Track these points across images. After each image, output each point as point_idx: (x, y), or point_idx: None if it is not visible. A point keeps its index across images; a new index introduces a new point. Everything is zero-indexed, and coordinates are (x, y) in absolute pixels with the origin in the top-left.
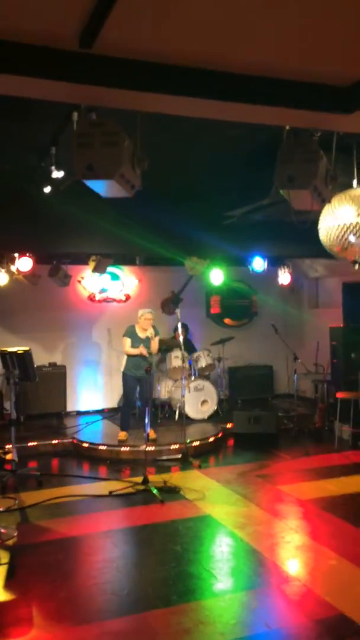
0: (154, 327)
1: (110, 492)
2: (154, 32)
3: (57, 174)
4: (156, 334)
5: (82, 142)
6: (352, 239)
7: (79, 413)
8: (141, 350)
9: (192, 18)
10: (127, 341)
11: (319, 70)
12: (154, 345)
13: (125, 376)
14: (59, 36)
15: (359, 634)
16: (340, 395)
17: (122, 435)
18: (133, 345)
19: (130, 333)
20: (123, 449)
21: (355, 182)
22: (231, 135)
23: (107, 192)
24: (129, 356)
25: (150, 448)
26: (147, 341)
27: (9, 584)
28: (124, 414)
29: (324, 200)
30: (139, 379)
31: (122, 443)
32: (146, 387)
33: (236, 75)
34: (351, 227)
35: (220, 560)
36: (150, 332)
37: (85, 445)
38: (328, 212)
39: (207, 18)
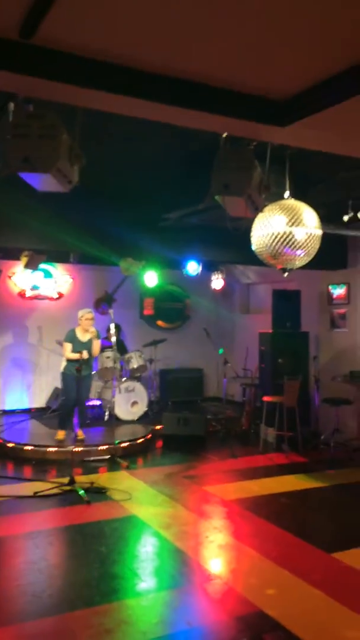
0: (97, 332)
1: (35, 493)
2: (96, 29)
3: None
4: (98, 336)
5: (18, 133)
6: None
7: (5, 412)
8: (82, 355)
9: (135, 20)
10: (68, 346)
11: (258, 83)
12: (96, 347)
13: (65, 376)
14: None
15: (276, 629)
16: (266, 399)
17: (61, 434)
18: (74, 350)
19: (71, 338)
20: (50, 449)
21: (287, 193)
22: (169, 137)
23: (42, 185)
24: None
25: (78, 448)
26: (88, 344)
27: None
28: (63, 414)
29: (257, 208)
30: (77, 379)
31: (59, 443)
32: (83, 388)
33: (177, 80)
34: (282, 236)
35: (145, 560)
36: (92, 331)
37: (11, 445)
38: (260, 221)
39: (150, 22)
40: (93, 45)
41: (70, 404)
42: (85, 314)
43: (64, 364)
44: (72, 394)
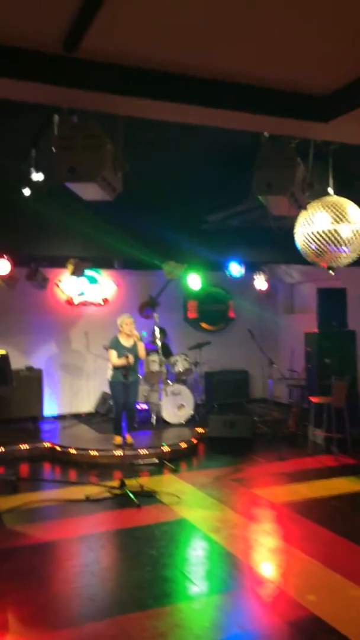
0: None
1: (87, 497)
2: (137, 37)
3: (37, 176)
4: (141, 338)
5: (64, 145)
6: (332, 248)
7: (56, 417)
8: (128, 359)
9: (174, 26)
10: (113, 353)
11: (298, 80)
12: (141, 350)
13: (112, 384)
14: (43, 40)
15: (330, 633)
16: (313, 400)
17: (118, 439)
18: (120, 355)
19: (115, 344)
20: (100, 453)
21: (330, 189)
22: (210, 140)
23: (88, 195)
24: (114, 366)
25: (127, 452)
26: (133, 349)
27: None
28: (116, 420)
29: (301, 206)
30: (124, 385)
31: (116, 447)
32: (131, 393)
33: (217, 82)
34: (326, 234)
35: (196, 564)
36: (135, 334)
37: (62, 449)
38: (304, 219)
39: (188, 26)
40: (135, 53)
41: (120, 411)
42: (125, 319)
43: (109, 372)
44: (121, 401)
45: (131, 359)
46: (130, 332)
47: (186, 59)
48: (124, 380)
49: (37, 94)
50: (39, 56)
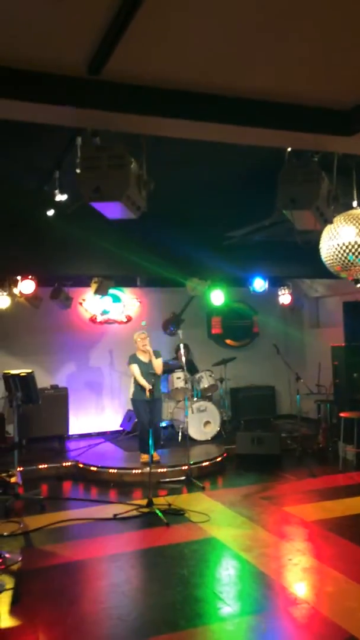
0: (155, 351)
1: (115, 515)
2: (161, 59)
3: (61, 197)
4: (157, 356)
5: (88, 165)
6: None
7: (81, 436)
8: (147, 386)
9: (195, 47)
10: (135, 367)
11: (321, 95)
12: (158, 365)
13: (135, 402)
14: (68, 64)
15: None
16: (343, 415)
17: (145, 457)
18: (140, 370)
19: (135, 360)
20: (126, 471)
21: (355, 202)
22: (232, 157)
23: (113, 213)
24: (136, 383)
25: (154, 470)
26: (150, 364)
27: (14, 610)
28: (142, 438)
29: (327, 220)
30: (148, 402)
31: (143, 465)
32: (155, 410)
33: (241, 100)
34: (352, 247)
35: (227, 584)
36: (148, 350)
37: (89, 468)
38: (329, 232)
39: (211, 47)
40: (158, 75)
41: (145, 428)
42: (139, 334)
43: (132, 389)
44: (145, 418)
45: (149, 386)
46: (144, 348)
47: (209, 79)
48: (146, 398)
49: (62, 117)
50: (64, 80)
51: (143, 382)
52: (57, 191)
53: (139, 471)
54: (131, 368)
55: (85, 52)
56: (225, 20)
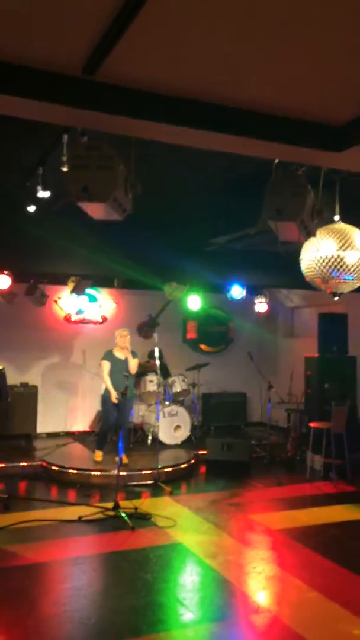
0: (132, 352)
1: (80, 518)
2: (157, 64)
3: (43, 194)
4: (134, 356)
5: (77, 164)
6: (337, 274)
7: (49, 435)
8: (113, 393)
9: (190, 55)
10: (106, 365)
11: (314, 109)
12: (133, 365)
13: (104, 398)
14: (64, 63)
15: None
16: (313, 425)
17: (98, 455)
18: (113, 368)
19: (109, 356)
20: (94, 473)
21: (337, 216)
22: (216, 165)
23: (99, 214)
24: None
25: (122, 473)
26: (125, 363)
27: None
28: (101, 435)
29: (310, 233)
30: (117, 403)
31: (97, 464)
32: (124, 411)
33: (232, 109)
34: (332, 260)
35: (191, 590)
36: (127, 347)
37: (55, 468)
38: (310, 245)
39: (206, 57)
40: (152, 80)
41: (109, 427)
42: (121, 331)
43: (104, 386)
44: (112, 417)
45: (116, 398)
46: (123, 345)
47: (201, 87)
48: (122, 398)
49: (54, 115)
50: (58, 78)
51: (109, 384)
52: (39, 187)
53: (107, 473)
54: (102, 364)
55: (82, 51)
56: (221, 32)
